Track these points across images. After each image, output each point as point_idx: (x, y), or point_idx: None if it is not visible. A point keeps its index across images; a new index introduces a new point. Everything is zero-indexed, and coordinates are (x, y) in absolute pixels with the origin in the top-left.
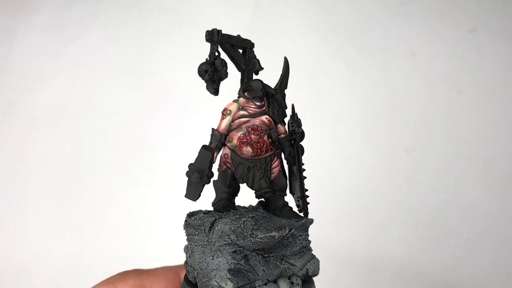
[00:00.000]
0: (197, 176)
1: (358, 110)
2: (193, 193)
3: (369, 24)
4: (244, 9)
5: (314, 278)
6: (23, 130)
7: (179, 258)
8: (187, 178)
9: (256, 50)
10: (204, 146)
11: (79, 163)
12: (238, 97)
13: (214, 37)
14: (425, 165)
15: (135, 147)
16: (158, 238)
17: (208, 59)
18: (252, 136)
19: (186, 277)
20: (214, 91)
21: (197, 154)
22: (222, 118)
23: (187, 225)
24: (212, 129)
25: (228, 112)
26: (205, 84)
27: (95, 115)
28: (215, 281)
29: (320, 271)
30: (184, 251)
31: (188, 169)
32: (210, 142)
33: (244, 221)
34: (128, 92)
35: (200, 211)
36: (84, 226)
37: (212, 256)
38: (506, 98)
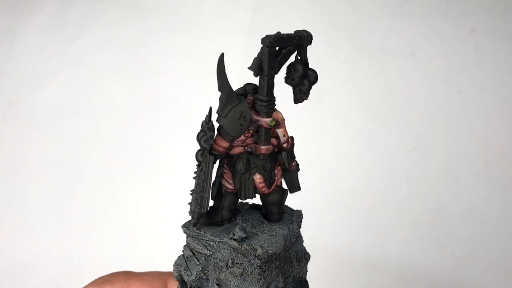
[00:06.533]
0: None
1: (358, 110)
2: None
3: (369, 24)
4: (244, 9)
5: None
6: (23, 130)
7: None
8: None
9: (256, 50)
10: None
11: (79, 163)
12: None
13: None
14: (425, 165)
15: (135, 147)
16: (158, 238)
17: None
18: None
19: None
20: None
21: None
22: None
23: None
24: (292, 137)
25: None
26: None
27: (95, 115)
28: None
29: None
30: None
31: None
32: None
33: None
34: (128, 92)
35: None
36: (84, 226)
37: None
38: (506, 98)
